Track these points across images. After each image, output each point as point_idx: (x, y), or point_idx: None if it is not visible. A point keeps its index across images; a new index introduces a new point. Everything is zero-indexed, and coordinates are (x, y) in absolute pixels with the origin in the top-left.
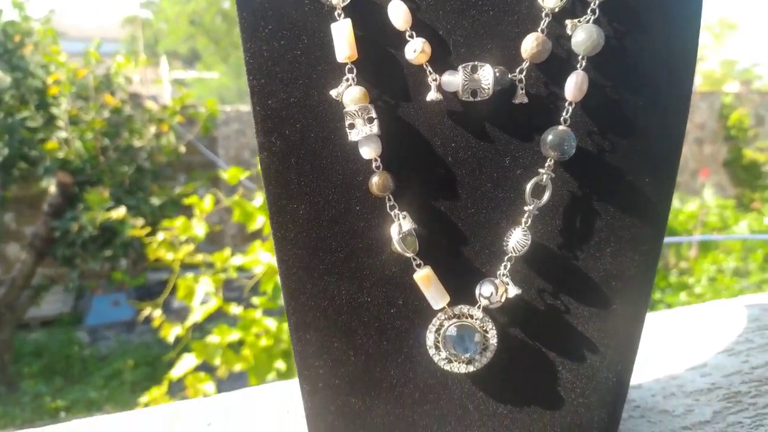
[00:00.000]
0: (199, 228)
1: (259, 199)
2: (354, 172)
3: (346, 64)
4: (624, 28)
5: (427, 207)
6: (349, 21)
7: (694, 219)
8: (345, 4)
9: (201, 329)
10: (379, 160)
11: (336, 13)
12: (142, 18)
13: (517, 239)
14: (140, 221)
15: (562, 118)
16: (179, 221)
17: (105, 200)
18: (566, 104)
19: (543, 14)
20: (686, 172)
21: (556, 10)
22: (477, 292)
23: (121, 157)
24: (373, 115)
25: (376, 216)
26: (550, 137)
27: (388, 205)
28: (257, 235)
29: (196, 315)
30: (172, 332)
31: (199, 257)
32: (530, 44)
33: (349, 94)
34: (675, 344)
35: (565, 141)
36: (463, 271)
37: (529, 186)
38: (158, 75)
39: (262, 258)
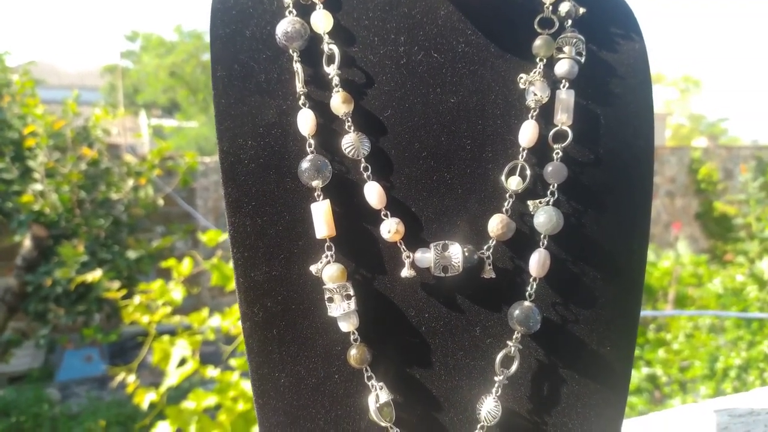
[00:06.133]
0: (177, 292)
1: None
2: (333, 342)
3: (325, 240)
4: (582, 207)
5: (403, 375)
6: (327, 202)
7: (668, 276)
8: (324, 185)
9: (177, 387)
10: (356, 332)
11: (315, 194)
12: (121, 67)
13: (489, 409)
14: (116, 284)
15: (527, 293)
16: (156, 284)
17: (79, 254)
18: (531, 279)
19: (507, 195)
20: (659, 224)
21: (519, 191)
22: None
23: (97, 209)
24: (351, 292)
25: (354, 384)
26: (516, 312)
27: (365, 375)
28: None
29: (172, 379)
30: (146, 398)
31: (176, 318)
32: (496, 225)
33: (328, 272)
34: None
35: (530, 317)
36: None
37: (498, 357)
38: (137, 125)
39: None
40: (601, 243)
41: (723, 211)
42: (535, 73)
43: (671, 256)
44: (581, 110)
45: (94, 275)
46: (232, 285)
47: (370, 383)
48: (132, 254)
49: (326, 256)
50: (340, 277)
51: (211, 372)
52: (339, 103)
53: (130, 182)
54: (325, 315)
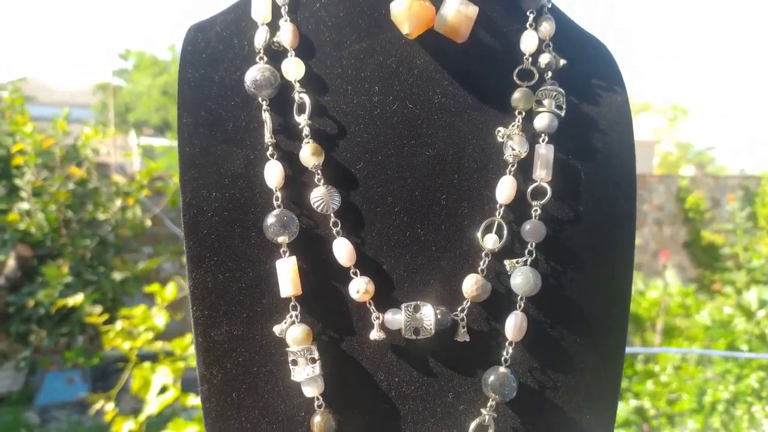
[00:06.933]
0: (159, 318)
1: None
2: (296, 408)
3: (290, 300)
4: (561, 267)
5: None
6: (293, 259)
7: (656, 306)
8: (290, 240)
9: (159, 414)
10: (321, 398)
11: (282, 250)
12: (113, 85)
13: None
14: (98, 308)
15: (503, 358)
16: (139, 310)
17: (63, 275)
18: (506, 343)
19: (483, 253)
20: (647, 252)
21: (496, 250)
22: None
23: (83, 230)
24: (316, 356)
25: None
26: (491, 379)
27: None
28: None
29: (152, 407)
30: (124, 427)
31: (158, 344)
32: (470, 286)
33: (292, 334)
34: None
35: (506, 385)
36: None
37: (472, 427)
38: (127, 143)
39: None
40: (581, 305)
41: (711, 240)
42: (513, 126)
43: (659, 285)
44: (561, 165)
45: (76, 299)
46: None
47: None
48: (117, 276)
49: (291, 316)
50: (305, 340)
51: (193, 400)
52: (308, 155)
53: (118, 202)
54: (288, 378)
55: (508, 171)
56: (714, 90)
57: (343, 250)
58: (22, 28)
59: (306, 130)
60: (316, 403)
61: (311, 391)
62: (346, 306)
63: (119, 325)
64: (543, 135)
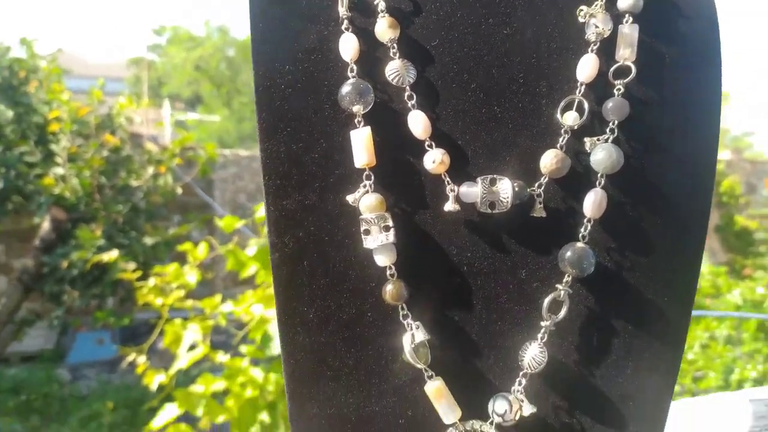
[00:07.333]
0: (191, 276)
1: (253, 248)
2: (367, 278)
3: (364, 170)
4: (643, 147)
5: (441, 316)
6: (368, 129)
7: None
8: (365, 111)
9: (186, 373)
10: (393, 267)
11: (356, 120)
12: (147, 60)
13: (533, 355)
14: (132, 265)
15: (580, 235)
16: (171, 267)
17: (96, 238)
18: (585, 220)
19: (562, 130)
20: None
21: (575, 127)
22: (490, 408)
23: (116, 195)
24: (390, 223)
25: (388, 323)
26: (568, 254)
27: (401, 314)
28: (249, 280)
29: (182, 362)
30: (155, 380)
31: (189, 302)
32: (549, 161)
33: (366, 202)
34: None
35: (584, 259)
36: (476, 384)
37: (546, 301)
38: (160, 116)
39: (254, 310)
40: (662, 187)
41: (744, 225)
42: (596, 5)
43: None
44: (645, 47)
45: (111, 255)
46: (246, 272)
47: (405, 322)
48: (148, 240)
49: (364, 186)
50: (379, 208)
51: (221, 357)
52: (385, 27)
53: (150, 170)
54: (360, 249)
55: (590, 50)
56: (757, 76)
57: (418, 122)
58: (58, 3)
59: (381, 5)
60: (387, 272)
61: (383, 260)
62: (420, 179)
63: (152, 281)
64: (627, 15)
